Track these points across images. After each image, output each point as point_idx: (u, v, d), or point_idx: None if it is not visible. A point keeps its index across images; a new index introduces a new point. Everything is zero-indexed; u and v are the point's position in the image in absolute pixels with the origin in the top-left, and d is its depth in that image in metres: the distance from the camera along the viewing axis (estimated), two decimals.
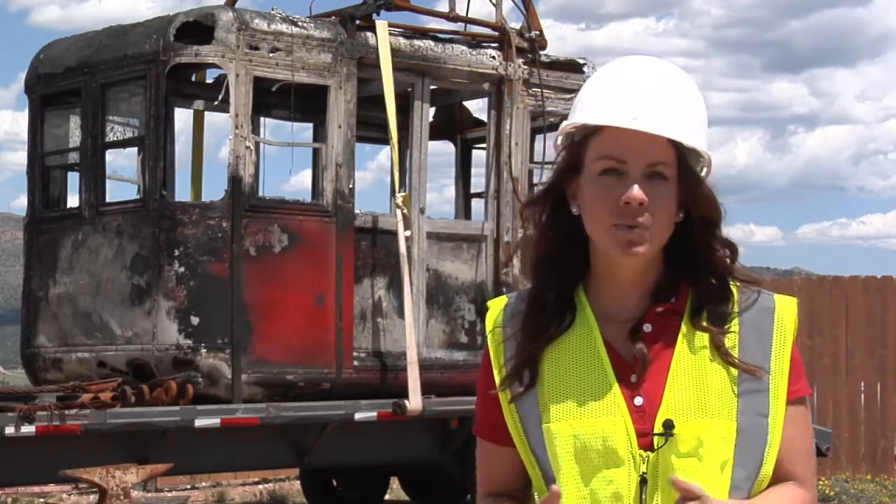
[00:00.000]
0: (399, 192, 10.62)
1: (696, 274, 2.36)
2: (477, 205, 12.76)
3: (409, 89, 11.12)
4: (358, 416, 10.38)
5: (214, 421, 9.80)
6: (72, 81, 10.82)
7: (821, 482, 14.26)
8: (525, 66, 11.55)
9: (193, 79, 11.35)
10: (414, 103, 11.14)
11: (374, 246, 10.87)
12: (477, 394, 2.50)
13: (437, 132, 12.25)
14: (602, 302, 2.38)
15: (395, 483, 13.33)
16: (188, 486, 15.05)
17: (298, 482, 13.92)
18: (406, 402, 10.31)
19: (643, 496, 2.29)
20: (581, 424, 2.32)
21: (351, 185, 10.66)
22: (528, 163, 11.72)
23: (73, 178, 11.05)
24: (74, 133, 11.00)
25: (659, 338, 2.34)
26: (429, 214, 11.33)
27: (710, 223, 2.35)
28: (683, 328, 2.34)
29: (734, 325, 2.34)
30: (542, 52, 11.74)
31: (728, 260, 2.37)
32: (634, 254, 2.29)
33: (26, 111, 11.29)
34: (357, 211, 10.75)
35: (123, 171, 10.96)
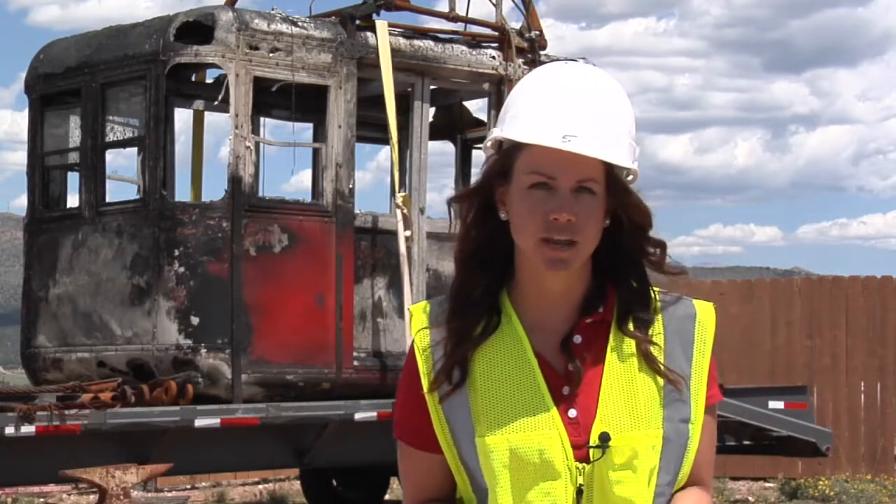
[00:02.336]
0: (399, 192, 10.62)
1: (621, 279, 2.38)
2: None
3: (409, 89, 11.12)
4: (358, 416, 10.38)
5: (214, 421, 9.80)
6: (72, 81, 10.82)
7: (821, 482, 14.27)
8: (525, 66, 11.56)
9: (193, 79, 11.35)
10: (414, 103, 11.14)
11: (374, 246, 10.87)
12: (398, 398, 2.48)
13: (437, 132, 12.25)
14: (529, 312, 2.38)
15: (395, 483, 13.34)
16: (188, 486, 15.06)
17: (298, 482, 13.92)
18: None
19: None
20: (517, 438, 2.31)
21: (351, 185, 10.66)
22: None
23: (73, 178, 11.07)
24: (74, 133, 11.00)
25: (589, 349, 2.35)
26: (429, 214, 11.34)
27: (641, 228, 2.37)
28: (611, 338, 2.36)
29: (658, 331, 2.37)
30: (542, 52, 11.74)
31: (658, 259, 2.39)
32: (560, 269, 2.32)
33: (26, 111, 11.29)
34: (357, 211, 10.76)
35: (123, 171, 10.97)
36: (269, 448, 10.56)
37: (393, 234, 10.60)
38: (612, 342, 2.35)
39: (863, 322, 15.82)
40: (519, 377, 2.34)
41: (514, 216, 2.33)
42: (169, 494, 14.17)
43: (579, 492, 2.30)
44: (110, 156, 10.87)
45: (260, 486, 15.19)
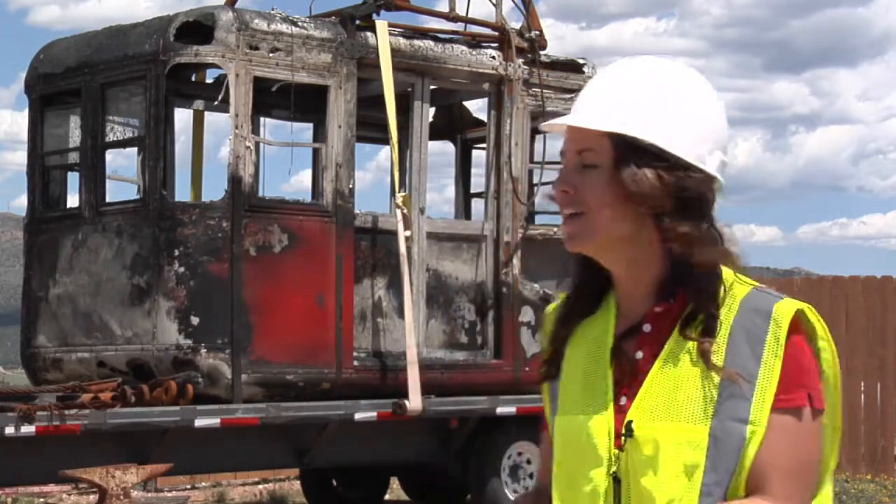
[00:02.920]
0: (399, 192, 10.62)
1: (690, 272, 2.32)
2: (477, 205, 12.77)
3: (409, 89, 11.12)
4: (358, 416, 10.38)
5: (214, 421, 9.80)
6: (72, 81, 10.82)
7: None
8: (525, 66, 11.55)
9: (193, 79, 11.36)
10: (414, 103, 11.14)
11: (374, 246, 10.87)
12: None
13: (437, 132, 12.25)
14: (621, 300, 2.40)
15: (395, 483, 13.33)
16: (188, 486, 15.05)
17: (298, 482, 13.92)
18: (406, 402, 10.31)
19: (618, 496, 2.29)
20: (575, 420, 2.34)
21: (351, 185, 10.66)
22: (528, 163, 11.72)
23: (73, 178, 11.07)
24: (74, 133, 11.00)
25: (655, 338, 2.32)
26: (429, 214, 11.33)
27: (654, 213, 2.29)
28: (675, 330, 2.31)
29: (725, 327, 2.29)
30: (542, 52, 11.74)
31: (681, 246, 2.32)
32: (574, 247, 2.34)
33: (26, 111, 11.29)
34: (357, 211, 10.75)
35: (123, 171, 10.97)
36: (269, 448, 10.56)
37: (393, 234, 10.60)
38: (675, 333, 2.31)
39: (863, 322, 15.81)
40: (594, 361, 2.37)
41: None
42: (169, 494, 14.17)
43: (617, 480, 2.29)
44: (110, 156, 10.88)
45: (260, 486, 15.18)
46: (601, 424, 2.31)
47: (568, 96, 11.81)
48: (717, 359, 2.27)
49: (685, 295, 2.32)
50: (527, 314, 11.48)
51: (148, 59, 10.26)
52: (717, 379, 2.26)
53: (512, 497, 11.19)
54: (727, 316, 2.29)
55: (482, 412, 11.05)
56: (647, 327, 2.34)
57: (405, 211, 10.54)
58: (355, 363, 10.60)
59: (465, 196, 12.99)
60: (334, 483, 12.82)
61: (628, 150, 2.28)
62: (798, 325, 2.28)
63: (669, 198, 2.28)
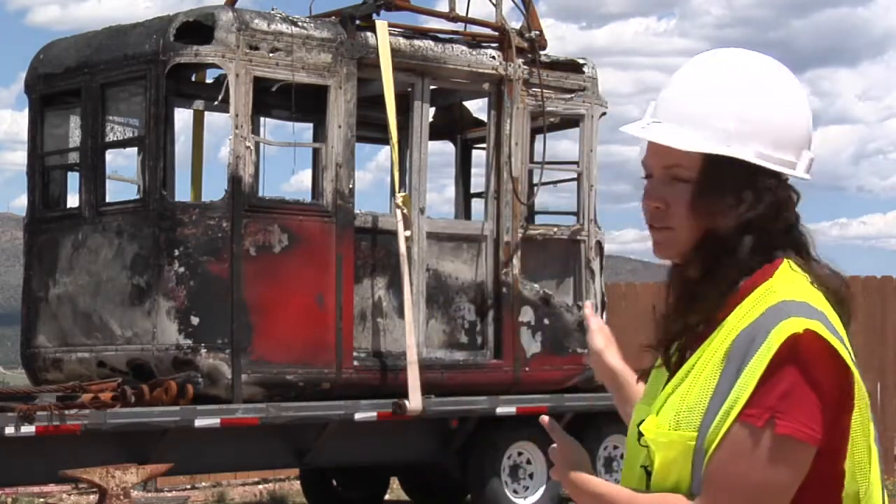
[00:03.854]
0: (399, 192, 10.62)
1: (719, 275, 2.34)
2: (477, 205, 12.77)
3: (409, 89, 11.12)
4: (358, 416, 10.38)
5: (214, 421, 9.80)
6: (72, 81, 10.82)
7: None
8: (525, 66, 11.55)
9: (193, 79, 11.35)
10: (414, 103, 11.14)
11: (374, 246, 10.86)
12: None
13: (437, 132, 12.25)
14: None
15: (395, 483, 13.33)
16: (188, 486, 15.05)
17: (298, 482, 13.92)
18: (406, 402, 10.31)
19: (648, 486, 2.31)
20: (636, 410, 2.41)
21: (351, 185, 10.66)
22: (528, 163, 11.72)
23: (73, 178, 11.07)
24: (74, 133, 11.00)
25: (703, 340, 2.32)
26: (429, 214, 11.33)
27: (714, 233, 2.28)
28: (714, 334, 2.30)
29: (730, 338, 2.26)
30: (542, 52, 11.74)
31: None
32: (661, 255, 2.35)
33: (26, 111, 11.29)
34: (357, 211, 10.75)
35: (123, 171, 10.97)
36: (269, 448, 10.56)
37: (393, 234, 10.60)
38: (711, 338, 2.29)
39: (863, 322, 15.80)
40: (665, 357, 2.42)
41: None
42: (169, 494, 14.17)
43: (647, 472, 2.31)
44: (110, 156, 10.88)
45: (260, 486, 15.18)
46: (642, 419, 2.35)
47: (568, 96, 11.81)
48: (715, 369, 2.25)
49: (733, 301, 2.30)
50: (527, 314, 11.48)
51: (148, 59, 10.25)
52: (713, 387, 2.24)
53: (512, 497, 11.20)
54: (741, 325, 2.26)
55: (482, 412, 11.05)
56: (700, 327, 2.34)
57: (405, 211, 10.54)
58: (355, 363, 10.60)
59: (465, 196, 12.99)
60: (334, 483, 12.82)
61: (719, 166, 2.26)
62: (795, 349, 2.19)
63: (752, 209, 2.27)
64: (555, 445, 2.38)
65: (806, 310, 2.22)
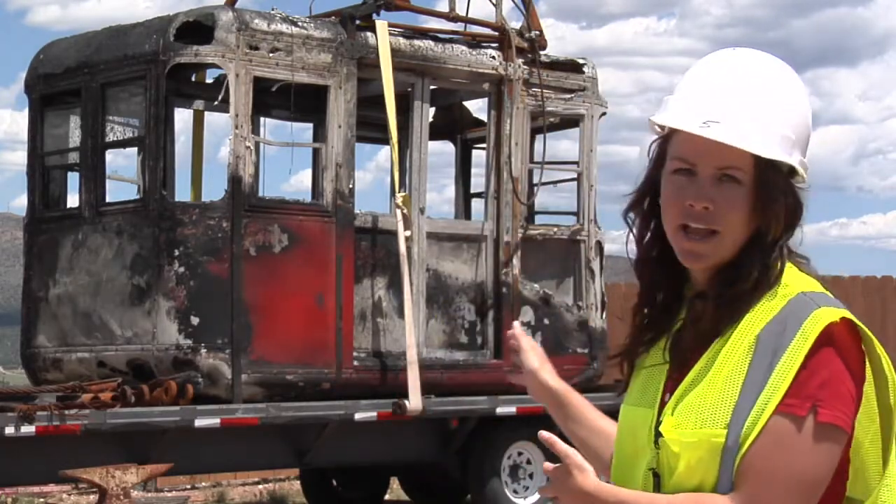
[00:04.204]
0: (399, 192, 10.62)
1: (752, 270, 2.29)
2: (477, 205, 12.77)
3: (409, 89, 11.12)
4: (358, 416, 10.38)
5: (214, 421, 9.80)
6: (72, 81, 10.82)
7: None
8: (525, 66, 11.55)
9: (193, 79, 11.35)
10: (414, 103, 11.14)
11: (374, 246, 10.86)
12: None
13: (437, 132, 12.25)
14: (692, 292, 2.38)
15: (395, 483, 13.33)
16: (188, 486, 15.05)
17: (298, 482, 13.92)
18: (406, 402, 10.31)
19: (658, 489, 2.28)
20: (630, 411, 2.38)
21: (351, 185, 10.66)
22: (528, 163, 11.72)
23: (73, 178, 11.06)
24: (74, 133, 11.00)
25: (703, 333, 2.31)
26: (429, 214, 11.33)
27: (771, 237, 2.27)
28: (721, 332, 2.29)
29: (754, 331, 2.25)
30: (542, 52, 11.74)
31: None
32: (697, 265, 2.29)
33: (26, 111, 11.29)
34: (357, 211, 10.75)
35: (123, 171, 10.97)
36: (269, 448, 10.56)
37: (393, 234, 10.60)
38: (725, 336, 2.28)
39: (863, 322, 15.78)
40: (657, 356, 2.38)
41: (662, 201, 2.31)
42: (169, 494, 14.17)
43: (656, 475, 2.28)
44: (110, 156, 10.88)
45: (260, 486, 15.18)
46: (646, 420, 2.32)
47: (568, 96, 11.81)
48: (738, 366, 2.24)
49: (710, 297, 2.30)
50: (527, 314, 11.48)
51: (148, 59, 10.25)
52: (740, 382, 2.23)
53: (512, 497, 11.20)
54: (765, 318, 2.25)
55: (482, 412, 11.04)
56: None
57: (405, 211, 10.54)
58: (355, 363, 10.60)
59: (465, 196, 12.99)
60: (334, 483, 12.82)
61: (769, 169, 2.26)
62: (831, 338, 2.21)
63: (794, 214, 2.30)
64: (550, 464, 2.30)
65: (830, 300, 2.26)
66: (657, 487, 2.28)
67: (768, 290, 2.27)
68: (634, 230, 2.39)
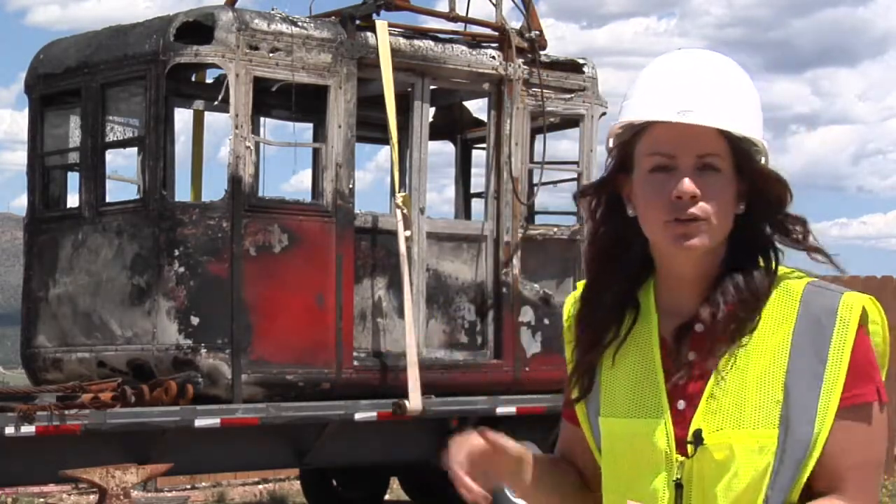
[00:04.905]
0: (399, 192, 10.62)
1: (752, 268, 2.30)
2: (477, 205, 12.77)
3: (409, 89, 11.12)
4: (358, 416, 10.38)
5: (214, 421, 9.80)
6: (72, 81, 10.82)
7: None
8: (525, 66, 11.55)
9: (193, 79, 11.35)
10: (414, 103, 11.14)
11: (374, 246, 10.87)
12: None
13: (437, 132, 12.25)
14: (666, 298, 2.34)
15: (395, 483, 13.33)
16: (188, 486, 15.06)
17: (298, 482, 13.92)
18: (406, 402, 10.31)
19: (679, 501, 2.26)
20: (626, 423, 2.31)
21: (351, 185, 10.66)
22: (528, 163, 11.72)
23: (73, 178, 11.06)
24: (74, 133, 11.00)
25: (711, 337, 2.28)
26: (429, 214, 11.33)
27: (778, 202, 2.29)
28: (732, 331, 2.27)
29: (787, 327, 2.26)
30: (542, 52, 11.74)
31: (801, 236, 2.31)
32: (690, 247, 2.25)
33: (26, 111, 11.29)
34: (357, 211, 10.76)
35: (123, 171, 10.97)
36: (269, 448, 10.56)
37: (393, 234, 10.60)
38: (732, 334, 2.26)
39: None
40: (641, 362, 2.32)
41: (640, 205, 2.29)
42: (169, 494, 14.18)
43: (678, 486, 2.25)
44: (110, 156, 10.88)
45: (260, 486, 15.18)
46: (658, 429, 2.27)
47: (568, 96, 11.81)
48: (775, 363, 2.24)
49: (738, 293, 2.29)
50: (527, 314, 11.49)
51: (148, 59, 10.25)
52: (781, 381, 2.23)
53: (511, 497, 11.18)
54: (788, 315, 2.27)
55: (482, 412, 11.04)
56: (699, 326, 2.30)
57: (405, 211, 10.54)
58: (355, 363, 10.60)
59: (465, 196, 12.99)
60: (334, 483, 12.83)
61: (744, 153, 2.27)
62: (866, 321, 2.26)
63: (779, 187, 2.30)
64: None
65: (835, 284, 2.30)
66: (678, 499, 2.25)
67: (773, 281, 2.29)
68: (588, 226, 2.39)
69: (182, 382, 9.78)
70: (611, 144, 2.34)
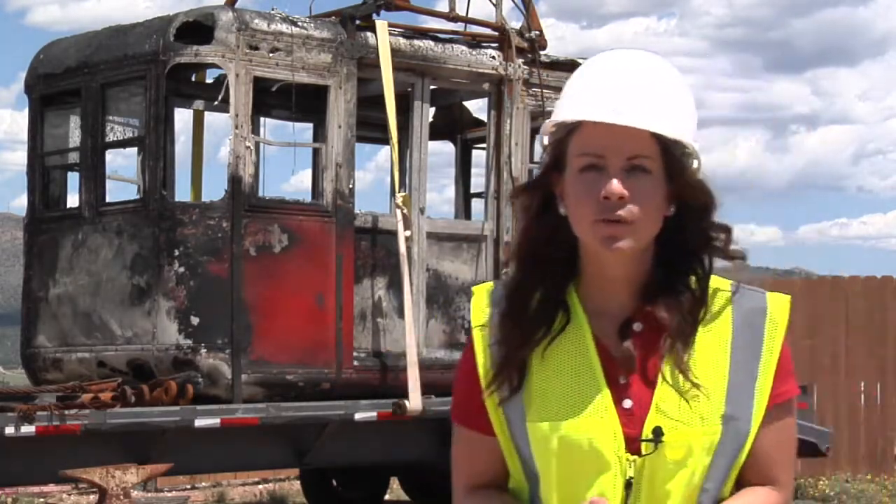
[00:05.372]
0: (399, 192, 10.62)
1: (684, 270, 2.32)
2: (477, 205, 12.77)
3: (409, 89, 11.12)
4: (358, 416, 10.38)
5: (214, 421, 9.80)
6: (72, 81, 10.82)
7: (821, 482, 14.26)
8: (525, 66, 11.55)
9: (193, 79, 11.35)
10: (414, 103, 11.14)
11: (374, 246, 10.87)
12: (456, 381, 2.45)
13: (437, 132, 12.25)
14: (593, 299, 2.33)
15: (395, 483, 13.33)
16: (188, 486, 15.06)
17: (298, 482, 13.92)
18: (406, 402, 10.31)
19: (628, 501, 2.26)
20: (567, 425, 2.28)
21: (351, 185, 10.66)
22: (528, 163, 11.72)
23: (73, 178, 11.06)
24: (74, 133, 11.00)
25: (650, 337, 2.30)
26: (429, 214, 11.34)
27: (703, 210, 2.30)
28: (674, 330, 2.29)
29: (726, 325, 2.31)
30: (542, 52, 11.74)
31: (723, 244, 2.32)
32: (617, 249, 2.24)
33: (26, 111, 11.29)
34: (357, 211, 10.76)
35: (123, 171, 10.97)
36: (269, 448, 10.56)
37: (393, 234, 10.60)
38: (673, 333, 2.29)
39: (863, 322, 15.81)
40: (575, 363, 2.31)
41: (569, 204, 2.29)
42: (169, 494, 14.18)
43: (628, 485, 2.26)
44: (110, 156, 10.87)
45: (260, 486, 15.19)
46: (605, 429, 2.27)
47: None
48: (723, 358, 2.29)
49: (674, 293, 2.30)
50: None
51: (148, 59, 10.26)
52: (725, 378, 2.28)
53: None
54: (724, 314, 2.32)
55: None
56: (637, 326, 2.31)
57: (405, 211, 10.54)
58: (355, 363, 10.60)
59: (465, 196, 12.99)
60: (334, 483, 12.83)
61: (675, 157, 2.27)
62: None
63: (704, 195, 2.31)
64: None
65: (755, 288, 2.37)
66: (627, 499, 2.26)
67: (708, 281, 2.32)
68: (520, 224, 2.39)
69: (182, 382, 9.78)
70: (545, 142, 2.35)
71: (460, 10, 11.54)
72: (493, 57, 11.47)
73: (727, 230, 2.32)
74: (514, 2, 11.76)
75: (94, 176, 10.61)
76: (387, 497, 13.28)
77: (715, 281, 2.34)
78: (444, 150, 13.66)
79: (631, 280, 2.31)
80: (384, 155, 12.56)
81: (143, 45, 10.33)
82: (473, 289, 2.48)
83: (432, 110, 12.05)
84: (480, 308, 2.43)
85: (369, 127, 11.68)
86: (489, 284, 2.45)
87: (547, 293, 2.34)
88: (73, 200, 10.99)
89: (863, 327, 15.80)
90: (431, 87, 11.28)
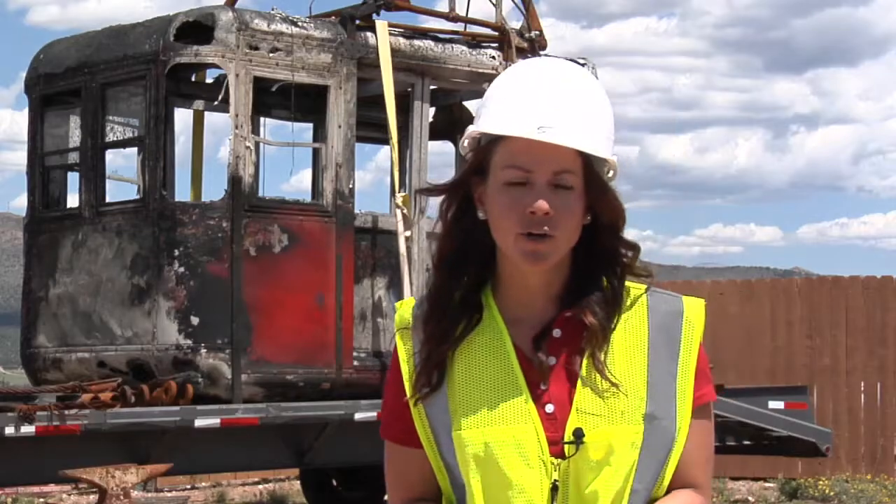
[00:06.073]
0: (399, 192, 10.63)
1: (600, 275, 2.36)
2: None
3: (409, 89, 11.12)
4: (358, 416, 10.38)
5: (214, 421, 9.80)
6: (72, 81, 10.82)
7: (821, 482, 14.27)
8: None
9: (193, 79, 11.35)
10: (414, 103, 11.14)
11: (374, 246, 10.87)
12: (385, 397, 2.49)
13: (437, 132, 12.25)
14: (510, 307, 2.37)
15: None
16: (188, 486, 15.07)
17: (298, 482, 13.92)
18: None
19: (553, 502, 2.29)
20: (491, 432, 2.30)
21: (351, 185, 10.66)
22: None
23: (73, 178, 11.06)
24: (74, 133, 11.00)
25: (569, 343, 2.33)
26: (429, 214, 11.33)
27: (614, 227, 2.34)
28: (590, 334, 2.33)
29: (642, 328, 2.35)
30: (542, 52, 11.74)
31: (629, 261, 2.36)
32: (539, 265, 2.30)
33: (26, 111, 11.29)
34: (357, 211, 10.76)
35: (123, 171, 10.97)
36: (269, 448, 10.56)
37: (393, 234, 10.60)
38: (591, 338, 2.32)
39: (863, 322, 15.82)
40: (497, 371, 2.34)
41: (493, 214, 2.31)
42: (169, 494, 14.18)
43: (554, 487, 2.28)
44: (110, 156, 10.88)
45: (260, 486, 15.19)
46: (528, 434, 2.29)
47: None
48: (641, 360, 2.33)
49: (590, 298, 2.34)
50: None
51: (148, 59, 10.26)
52: (644, 379, 2.32)
53: None
54: (640, 317, 2.36)
55: None
56: (556, 332, 2.34)
57: (405, 211, 10.54)
58: (355, 363, 10.61)
59: None
60: (334, 483, 12.83)
61: (594, 171, 2.31)
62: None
63: (616, 213, 2.35)
64: None
65: (669, 291, 2.42)
66: (553, 502, 2.28)
67: (624, 286, 2.37)
68: (440, 223, 2.40)
69: (182, 382, 9.78)
70: (466, 146, 2.37)
71: (460, 10, 11.54)
72: (493, 57, 11.47)
73: (635, 249, 2.37)
74: (514, 2, 11.76)
75: (94, 176, 10.61)
76: (386, 497, 13.26)
77: (630, 285, 2.38)
78: (444, 150, 13.66)
79: (546, 288, 2.36)
80: (384, 155, 12.56)
81: (143, 45, 10.33)
82: (397, 304, 2.50)
83: (432, 110, 12.05)
84: (403, 317, 2.45)
85: (369, 127, 11.67)
86: (412, 299, 2.48)
87: (465, 295, 2.37)
88: (73, 200, 10.99)
89: (863, 327, 15.81)
90: (431, 87, 11.29)
